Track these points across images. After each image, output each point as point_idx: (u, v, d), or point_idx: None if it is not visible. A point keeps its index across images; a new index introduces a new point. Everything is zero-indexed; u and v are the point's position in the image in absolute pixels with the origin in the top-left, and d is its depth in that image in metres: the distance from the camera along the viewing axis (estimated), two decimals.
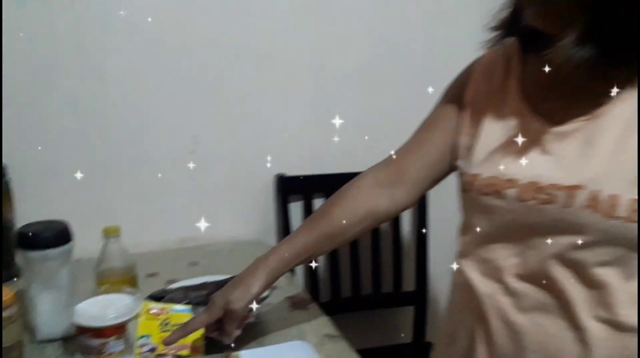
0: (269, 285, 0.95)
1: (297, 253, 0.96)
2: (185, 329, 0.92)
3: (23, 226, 1.04)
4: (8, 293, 0.97)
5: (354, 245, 1.74)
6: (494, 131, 0.89)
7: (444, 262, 1.91)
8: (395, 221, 1.77)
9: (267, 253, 0.96)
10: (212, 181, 1.64)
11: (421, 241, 1.79)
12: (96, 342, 0.93)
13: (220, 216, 1.65)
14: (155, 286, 1.31)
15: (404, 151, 1.02)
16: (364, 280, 1.77)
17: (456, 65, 1.02)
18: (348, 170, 1.37)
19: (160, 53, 1.54)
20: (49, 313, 1.04)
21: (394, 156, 1.02)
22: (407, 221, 1.85)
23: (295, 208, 1.73)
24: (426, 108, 1.04)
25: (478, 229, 0.88)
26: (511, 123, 0.88)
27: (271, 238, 1.72)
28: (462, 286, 0.94)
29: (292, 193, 1.70)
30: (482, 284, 0.88)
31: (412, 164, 1.00)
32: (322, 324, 1.14)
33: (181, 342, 0.95)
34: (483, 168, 0.88)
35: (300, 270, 1.75)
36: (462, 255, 0.95)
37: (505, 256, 0.86)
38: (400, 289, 1.80)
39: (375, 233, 1.75)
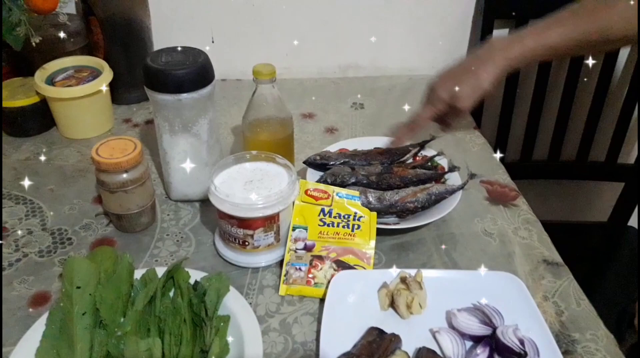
0: (501, 79, 0.76)
1: (545, 49, 0.74)
2: (411, 128, 0.83)
3: (152, 55, 0.76)
4: (131, 146, 0.75)
5: (564, 99, 1.28)
6: None
7: None
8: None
9: (508, 39, 0.76)
10: None
11: None
12: (239, 231, 0.71)
13: (393, 40, 1.25)
14: (312, 137, 1.04)
15: None
16: (567, 143, 1.35)
17: None
18: None
19: None
20: (184, 171, 0.82)
21: None
22: None
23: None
24: None
25: None
26: None
27: None
28: None
29: (501, 15, 1.21)
30: None
31: None
32: (539, 240, 0.80)
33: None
34: None
35: (485, 118, 1.35)
36: None
37: None
38: (614, 160, 1.36)
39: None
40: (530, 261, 0.76)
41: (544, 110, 1.31)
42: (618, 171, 1.38)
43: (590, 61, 1.21)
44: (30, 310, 0.67)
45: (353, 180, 0.82)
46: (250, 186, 0.72)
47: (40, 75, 0.98)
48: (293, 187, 0.72)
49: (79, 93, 0.96)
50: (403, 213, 0.80)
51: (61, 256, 0.76)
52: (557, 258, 0.77)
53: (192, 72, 0.74)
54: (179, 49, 0.78)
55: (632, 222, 1.43)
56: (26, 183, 0.88)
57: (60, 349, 0.58)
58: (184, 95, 0.74)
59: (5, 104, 0.97)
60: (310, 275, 0.71)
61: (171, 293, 0.65)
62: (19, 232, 0.79)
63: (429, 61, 1.27)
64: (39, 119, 1.01)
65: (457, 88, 0.76)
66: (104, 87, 0.98)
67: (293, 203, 0.75)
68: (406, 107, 1.06)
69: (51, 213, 0.83)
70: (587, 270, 1.32)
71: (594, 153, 1.36)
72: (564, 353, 0.63)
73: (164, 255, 0.76)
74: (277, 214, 0.70)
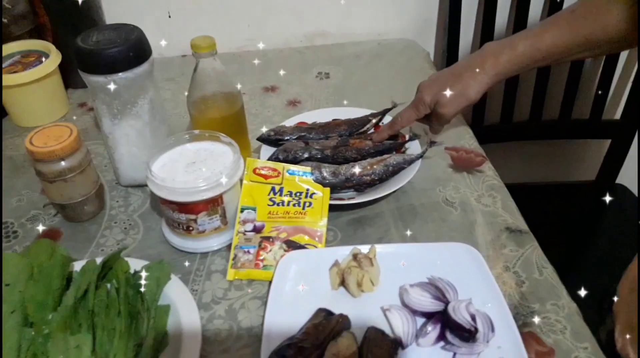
0: (489, 88, 0.73)
1: (540, 53, 0.70)
2: (393, 127, 0.80)
3: (82, 35, 0.72)
4: (67, 133, 0.71)
5: None
6: None
7: None
8: None
9: (499, 45, 0.72)
10: None
11: None
12: (181, 217, 0.67)
13: (360, 3, 1.18)
14: (273, 111, 1.00)
15: None
16: (549, 102, 1.29)
17: None
18: None
19: None
20: (130, 155, 0.78)
21: None
22: None
23: None
24: None
25: None
26: None
27: (429, 38, 1.25)
28: None
29: None
30: None
31: None
32: (503, 207, 0.77)
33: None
34: None
35: None
36: None
37: None
38: (599, 116, 1.31)
39: None
40: (493, 229, 0.73)
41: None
42: (603, 127, 1.32)
43: None
44: None
45: (306, 155, 0.78)
46: (193, 168, 0.69)
47: None
48: (236, 167, 0.68)
49: (25, 79, 0.92)
50: (360, 186, 0.76)
51: (6, 250, 0.73)
52: (522, 225, 0.73)
53: (124, 51, 0.69)
54: (112, 26, 0.73)
55: (621, 179, 1.39)
56: None
57: None
58: (119, 75, 0.70)
59: None
60: (259, 258, 0.68)
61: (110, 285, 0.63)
62: None
63: (398, 24, 1.22)
64: None
65: (441, 93, 0.74)
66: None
67: (241, 183, 0.71)
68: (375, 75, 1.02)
69: None
70: (575, 231, 1.29)
71: (577, 110, 1.30)
72: (522, 325, 0.60)
73: (111, 243, 0.73)
74: (220, 196, 0.67)
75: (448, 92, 0.73)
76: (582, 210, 1.35)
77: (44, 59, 0.95)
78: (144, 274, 0.62)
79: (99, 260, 0.64)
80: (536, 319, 0.61)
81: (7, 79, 0.92)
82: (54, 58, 0.96)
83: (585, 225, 1.29)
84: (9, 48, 0.97)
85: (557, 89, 1.27)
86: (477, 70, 0.72)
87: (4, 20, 0.95)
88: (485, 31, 1.19)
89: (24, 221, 0.78)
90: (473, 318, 0.58)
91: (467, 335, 0.56)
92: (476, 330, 0.56)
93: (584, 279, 0.90)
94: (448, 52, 1.21)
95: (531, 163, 1.48)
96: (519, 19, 1.18)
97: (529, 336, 0.59)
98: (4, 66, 0.94)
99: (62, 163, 0.70)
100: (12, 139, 0.95)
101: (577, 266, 1.06)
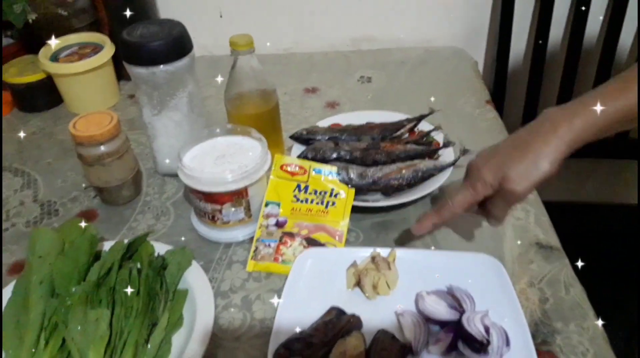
0: (564, 158, 0.58)
1: (621, 116, 0.56)
2: (440, 214, 0.64)
3: (128, 29, 0.75)
4: (108, 119, 0.75)
5: (601, 66, 1.16)
6: None
7: None
8: None
9: (568, 107, 0.58)
10: None
11: None
12: (207, 206, 0.69)
13: (408, 9, 1.18)
14: (311, 112, 1.00)
15: None
16: None
17: None
18: None
19: None
20: (167, 145, 0.81)
21: None
22: None
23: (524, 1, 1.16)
24: None
25: None
26: None
27: (478, 47, 1.23)
28: None
29: None
30: None
31: None
32: (536, 222, 0.74)
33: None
34: None
35: (510, 90, 1.25)
36: None
37: None
38: None
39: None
40: (521, 243, 0.70)
41: (577, 79, 1.19)
42: None
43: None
44: (9, 277, 0.70)
45: (335, 156, 0.78)
46: (222, 160, 0.70)
47: (45, 52, 1.00)
48: (262, 161, 0.69)
49: (80, 69, 0.97)
50: (387, 190, 0.76)
51: (46, 226, 0.78)
52: (553, 241, 0.70)
53: (165, 44, 0.72)
54: (157, 21, 0.77)
55: None
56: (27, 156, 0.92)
57: (20, 316, 0.60)
58: (160, 67, 0.73)
59: (13, 80, 1.01)
60: (279, 252, 0.69)
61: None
62: (12, 203, 0.82)
63: (447, 31, 1.20)
64: (47, 94, 1.04)
65: (507, 167, 0.59)
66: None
67: (268, 178, 0.73)
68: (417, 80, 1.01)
69: (44, 185, 0.86)
70: (620, 255, 1.22)
71: (635, 129, 1.24)
72: (541, 343, 0.58)
73: (142, 228, 0.76)
74: (245, 189, 0.68)
75: (517, 165, 0.59)
76: (633, 234, 1.28)
77: (99, 51, 1.01)
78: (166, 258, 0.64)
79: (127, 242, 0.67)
80: (557, 338, 0.58)
81: (63, 68, 0.97)
82: (108, 50, 1.01)
83: (634, 249, 1.22)
84: (69, 40, 1.03)
85: None
86: (549, 136, 0.58)
87: (64, 13, 1.01)
88: (538, 42, 1.15)
89: (66, 201, 0.82)
90: (487, 330, 0.56)
91: (479, 346, 0.55)
92: (488, 342, 0.55)
93: (619, 306, 0.85)
94: (497, 62, 1.19)
95: (581, 181, 1.42)
96: (574, 35, 1.13)
97: (547, 355, 0.57)
98: (63, 55, 1.00)
99: (101, 147, 0.74)
100: (66, 124, 1.00)
101: (614, 292, 1.01)
